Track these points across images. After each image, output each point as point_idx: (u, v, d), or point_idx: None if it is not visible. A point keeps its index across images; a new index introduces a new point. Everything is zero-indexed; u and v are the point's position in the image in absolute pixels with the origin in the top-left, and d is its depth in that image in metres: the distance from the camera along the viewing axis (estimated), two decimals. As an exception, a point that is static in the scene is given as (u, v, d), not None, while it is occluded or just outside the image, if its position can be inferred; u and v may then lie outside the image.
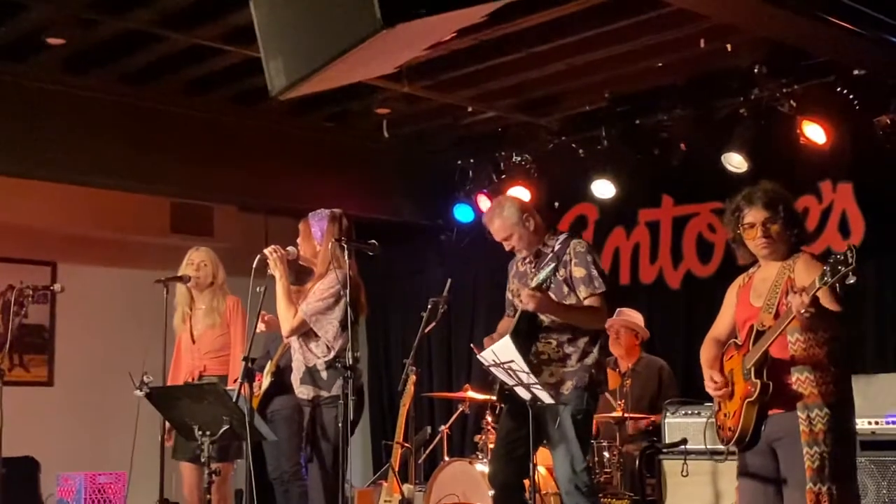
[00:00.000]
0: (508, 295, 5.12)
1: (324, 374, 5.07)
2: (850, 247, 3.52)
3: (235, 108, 7.67)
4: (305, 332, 5.13)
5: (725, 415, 4.00)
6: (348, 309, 4.90)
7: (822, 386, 3.77)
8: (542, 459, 5.46)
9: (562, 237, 4.95)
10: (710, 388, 4.04)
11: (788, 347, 3.81)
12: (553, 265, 4.70)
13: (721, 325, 4.19)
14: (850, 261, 3.48)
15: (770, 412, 3.88)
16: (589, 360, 4.83)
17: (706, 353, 4.15)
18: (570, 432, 4.74)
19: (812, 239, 5.96)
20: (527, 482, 4.98)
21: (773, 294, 3.89)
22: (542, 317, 4.79)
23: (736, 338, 4.02)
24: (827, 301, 3.67)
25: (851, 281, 3.52)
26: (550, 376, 4.75)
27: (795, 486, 3.80)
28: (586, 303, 4.79)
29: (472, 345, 4.86)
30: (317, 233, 5.17)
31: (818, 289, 3.56)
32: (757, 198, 3.99)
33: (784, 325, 3.73)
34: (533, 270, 4.91)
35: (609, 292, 4.87)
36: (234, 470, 6.27)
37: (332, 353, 5.05)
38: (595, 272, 4.81)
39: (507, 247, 4.98)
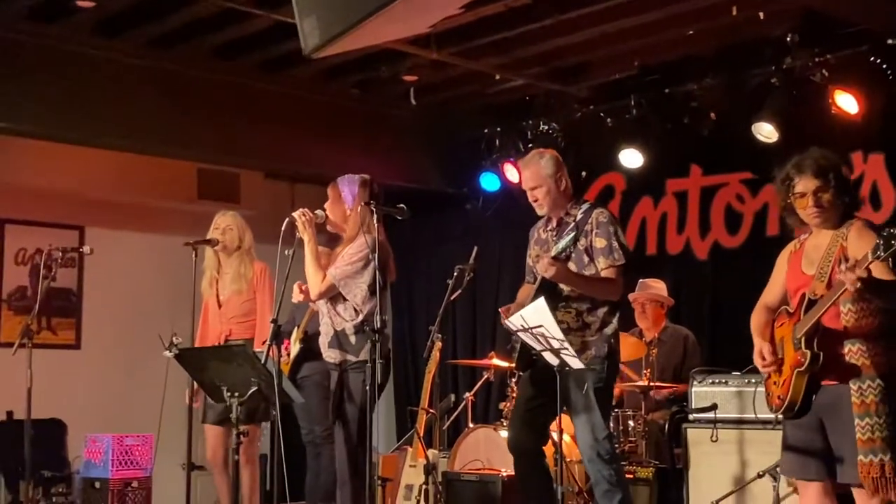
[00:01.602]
0: (529, 261, 5.13)
1: (352, 339, 5.08)
2: None
3: (263, 74, 7.67)
4: (333, 296, 5.13)
5: (775, 383, 3.97)
6: (377, 273, 4.90)
7: (875, 357, 3.72)
8: (565, 427, 5.46)
9: (585, 206, 4.94)
10: (758, 362, 4.00)
11: (840, 317, 3.76)
12: (573, 234, 4.69)
13: (772, 291, 4.15)
14: None
15: (823, 383, 3.86)
16: (609, 330, 4.84)
17: (757, 319, 4.12)
18: (592, 400, 4.76)
19: (865, 205, 5.94)
20: (546, 448, 5.01)
21: (825, 262, 3.84)
22: (561, 285, 4.79)
23: (787, 305, 3.99)
24: (879, 272, 3.62)
25: None
26: (570, 345, 4.75)
27: (848, 459, 3.77)
28: (604, 274, 4.80)
29: (499, 309, 4.85)
30: (347, 196, 5.17)
31: (870, 262, 3.50)
32: (807, 166, 3.93)
33: (836, 296, 3.68)
34: (554, 238, 4.91)
35: (628, 265, 4.86)
36: (262, 434, 6.31)
37: (361, 317, 5.05)
38: (616, 244, 4.81)
39: (531, 197, 4.96)
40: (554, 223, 4.98)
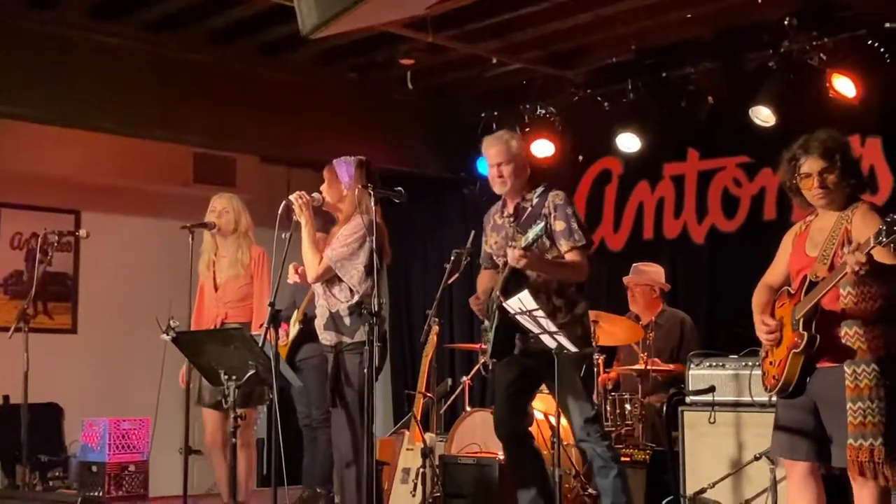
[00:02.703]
0: (485, 248, 5.15)
1: (347, 320, 5.07)
2: None
3: (260, 58, 7.64)
4: (329, 278, 5.13)
5: (771, 363, 3.99)
6: (374, 254, 4.89)
7: (872, 341, 3.72)
8: (550, 409, 5.47)
9: (539, 190, 4.96)
10: (760, 331, 4.02)
11: (840, 300, 3.77)
12: (543, 224, 4.68)
13: (775, 271, 4.16)
14: None
15: (818, 365, 3.87)
16: (579, 310, 4.87)
17: (758, 298, 4.13)
18: (577, 382, 4.80)
19: (872, 187, 5.93)
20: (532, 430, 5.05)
21: (829, 245, 3.84)
22: (527, 272, 4.80)
23: (789, 286, 3.99)
24: (882, 256, 3.62)
25: None
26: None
27: (840, 443, 3.78)
28: (567, 256, 4.83)
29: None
30: (344, 177, 5.16)
31: (873, 247, 3.50)
32: (814, 147, 3.94)
33: (837, 278, 3.69)
34: (512, 225, 4.93)
35: (588, 244, 4.90)
36: (259, 417, 6.31)
37: (356, 298, 5.05)
38: (575, 225, 4.84)
39: (496, 173, 4.95)
40: (511, 209, 5.00)
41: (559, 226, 4.83)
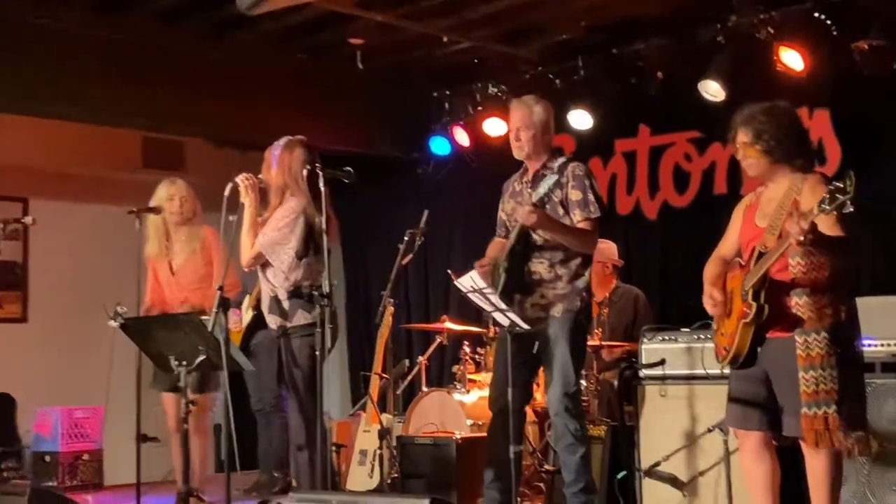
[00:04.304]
0: (501, 215, 5.12)
1: (286, 304, 5.03)
2: (849, 174, 3.45)
3: (209, 39, 7.54)
4: (264, 262, 5.08)
5: (722, 334, 4.01)
6: (313, 238, 4.85)
7: (822, 310, 3.75)
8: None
9: (561, 160, 4.96)
10: (708, 304, 4.05)
11: (790, 270, 3.78)
12: (555, 178, 4.69)
13: (727, 243, 4.19)
14: (847, 189, 3.43)
15: (769, 335, 3.89)
16: (580, 283, 4.86)
17: (709, 270, 4.15)
18: (565, 356, 4.79)
19: (820, 158, 5.97)
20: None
21: (777, 215, 3.86)
22: (535, 236, 4.80)
23: (741, 257, 4.01)
24: (827, 227, 3.64)
25: (850, 210, 3.48)
26: (542, 297, 4.79)
27: (791, 412, 3.81)
28: (580, 226, 4.82)
29: (449, 271, 4.84)
30: (283, 159, 5.10)
31: (816, 215, 3.52)
32: (742, 120, 3.98)
33: (782, 248, 3.71)
34: (530, 191, 4.91)
35: (603, 218, 4.91)
36: (216, 404, 6.26)
37: (289, 283, 5.00)
38: (591, 196, 4.84)
39: (514, 138, 4.95)
40: (530, 175, 4.99)
41: (575, 195, 4.82)
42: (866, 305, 4.09)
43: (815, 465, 3.86)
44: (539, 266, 4.82)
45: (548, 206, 4.79)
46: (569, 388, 4.81)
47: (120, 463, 7.31)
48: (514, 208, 4.94)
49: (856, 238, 3.83)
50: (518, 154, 4.98)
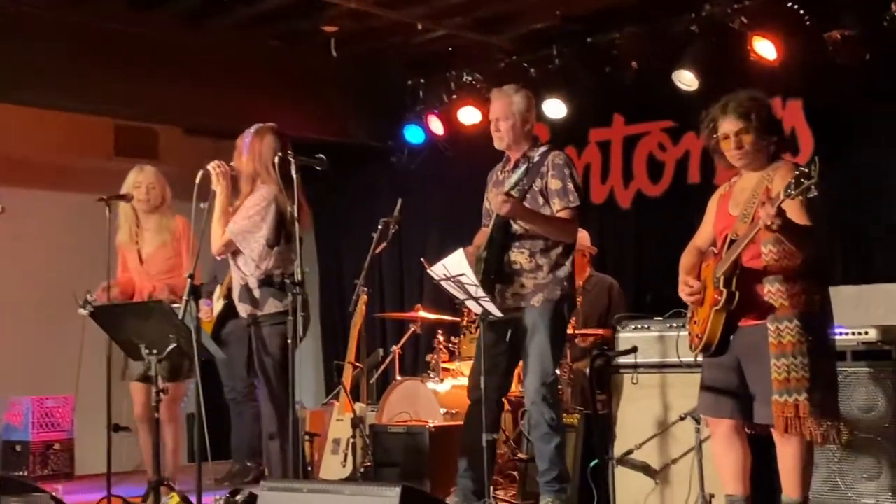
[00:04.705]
0: (486, 204, 5.11)
1: (256, 293, 5.00)
2: (813, 159, 3.49)
3: (181, 26, 7.48)
4: (235, 250, 5.05)
5: (695, 322, 4.03)
6: (285, 226, 4.81)
7: (794, 298, 3.77)
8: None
9: (542, 148, 4.96)
10: (683, 293, 4.06)
11: (762, 258, 3.80)
12: (525, 166, 4.69)
13: (702, 234, 4.20)
14: (812, 173, 3.45)
15: (741, 323, 3.90)
16: (561, 273, 4.86)
17: (685, 260, 4.16)
18: (543, 345, 4.78)
19: (794, 148, 5.99)
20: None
21: (750, 203, 3.87)
22: (515, 225, 4.80)
23: (715, 246, 4.01)
24: (794, 214, 3.66)
25: (814, 194, 3.50)
26: (521, 287, 4.79)
27: (763, 400, 3.82)
28: (559, 215, 4.81)
29: (422, 259, 4.82)
30: (254, 147, 5.06)
31: (782, 201, 3.54)
32: (731, 108, 3.97)
33: (751, 234, 3.73)
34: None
35: (582, 207, 4.90)
36: (188, 393, 6.22)
37: (260, 272, 4.97)
38: (571, 186, 4.83)
39: (493, 129, 4.96)
40: (511, 164, 4.99)
41: (555, 184, 4.81)
42: (838, 294, 4.12)
43: (786, 453, 3.88)
44: (519, 256, 4.81)
45: (528, 197, 4.77)
46: (546, 378, 4.81)
47: (91, 452, 7.27)
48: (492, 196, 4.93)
49: (824, 227, 3.86)
50: (498, 144, 4.97)
